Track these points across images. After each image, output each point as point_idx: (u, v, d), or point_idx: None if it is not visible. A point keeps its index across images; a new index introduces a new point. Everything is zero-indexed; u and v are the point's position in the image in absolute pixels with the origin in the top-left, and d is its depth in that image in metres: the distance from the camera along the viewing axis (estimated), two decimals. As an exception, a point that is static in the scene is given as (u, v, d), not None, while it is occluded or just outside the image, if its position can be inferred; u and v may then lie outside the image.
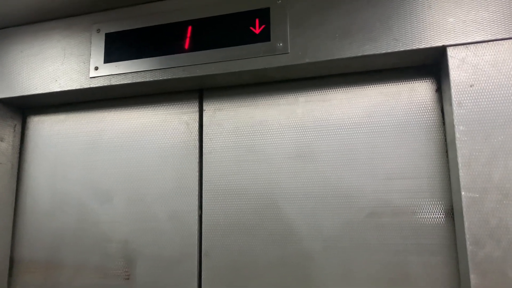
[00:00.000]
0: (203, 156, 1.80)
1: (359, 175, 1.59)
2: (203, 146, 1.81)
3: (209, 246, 1.72)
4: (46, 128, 2.08)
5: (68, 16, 1.92)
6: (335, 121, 1.66)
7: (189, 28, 1.74)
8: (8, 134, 2.01)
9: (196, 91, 1.88)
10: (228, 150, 1.78)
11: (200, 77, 1.70)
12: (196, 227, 1.76)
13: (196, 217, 1.76)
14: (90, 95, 1.93)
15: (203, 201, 1.76)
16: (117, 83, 1.80)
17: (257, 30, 1.65)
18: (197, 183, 1.80)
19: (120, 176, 1.91)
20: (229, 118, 1.80)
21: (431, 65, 1.56)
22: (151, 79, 1.75)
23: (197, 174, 1.80)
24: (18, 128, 2.08)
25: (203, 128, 1.83)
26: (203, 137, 1.82)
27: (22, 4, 1.82)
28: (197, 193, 1.79)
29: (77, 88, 1.85)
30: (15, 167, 2.03)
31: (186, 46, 1.73)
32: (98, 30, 1.87)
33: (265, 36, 1.64)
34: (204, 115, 1.84)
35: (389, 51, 1.47)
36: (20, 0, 1.79)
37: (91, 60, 1.85)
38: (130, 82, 1.78)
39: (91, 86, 1.83)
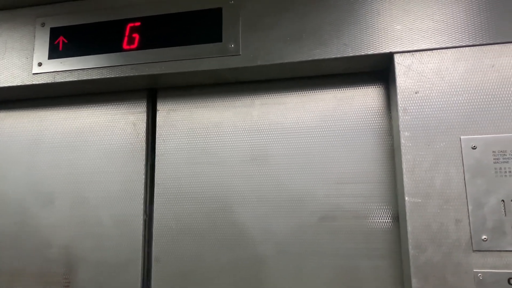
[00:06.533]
0: (156, 157, 1.75)
1: (312, 179, 1.59)
2: (156, 148, 1.76)
3: (160, 251, 1.67)
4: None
5: (11, 8, 1.82)
6: (289, 124, 1.66)
7: (139, 25, 1.69)
8: None
9: (144, 91, 1.83)
10: (182, 152, 1.73)
11: (149, 76, 1.66)
12: (140, 232, 1.70)
13: (141, 222, 1.71)
14: (33, 92, 1.83)
15: (154, 204, 1.71)
16: (62, 80, 1.72)
17: (208, 30, 1.62)
18: (142, 187, 1.74)
19: (63, 178, 1.82)
20: (183, 119, 1.76)
21: (380, 71, 1.58)
22: (98, 77, 1.68)
23: (143, 177, 1.75)
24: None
25: (157, 129, 1.77)
26: (156, 138, 1.77)
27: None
28: (142, 197, 1.73)
29: (18, 84, 1.75)
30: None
31: (136, 43, 1.68)
32: (43, 24, 1.78)
33: (216, 37, 1.61)
34: (158, 116, 1.79)
35: (338, 56, 1.48)
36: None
37: (34, 55, 1.76)
38: (75, 79, 1.71)
39: (34, 82, 1.74)
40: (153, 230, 1.69)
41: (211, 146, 1.71)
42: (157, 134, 1.77)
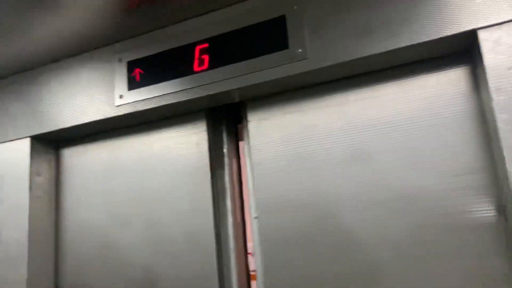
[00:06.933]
0: (253, 167, 1.72)
1: (422, 174, 1.45)
2: (252, 158, 1.74)
3: (267, 263, 1.62)
4: (75, 159, 2.14)
5: (91, 50, 1.97)
6: (389, 117, 1.54)
7: (207, 47, 1.73)
8: (44, 168, 2.08)
9: (202, 111, 1.89)
10: (278, 159, 1.69)
11: (218, 94, 1.68)
12: (213, 246, 1.73)
13: (213, 237, 1.74)
14: (116, 122, 1.95)
15: (256, 215, 1.67)
16: (142, 109, 1.81)
17: (274, 39, 1.61)
18: (210, 202, 1.77)
19: (137, 201, 1.94)
20: (275, 127, 1.72)
21: (464, 51, 1.44)
22: (173, 101, 1.75)
23: (210, 193, 1.78)
24: (53, 161, 2.14)
25: (250, 139, 1.75)
26: (251, 149, 1.74)
27: (47, 43, 1.89)
28: (211, 212, 1.76)
29: (104, 117, 1.88)
30: (53, 199, 2.09)
31: (206, 64, 1.72)
32: (120, 59, 1.90)
33: (283, 44, 1.59)
34: (249, 126, 1.77)
35: (413, 43, 1.38)
36: (45, 40, 1.86)
37: (115, 89, 1.88)
38: (154, 106, 1.79)
39: (117, 114, 1.85)
40: (259, 241, 1.65)
41: (307, 151, 1.64)
42: (251, 144, 1.75)
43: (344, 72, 1.58)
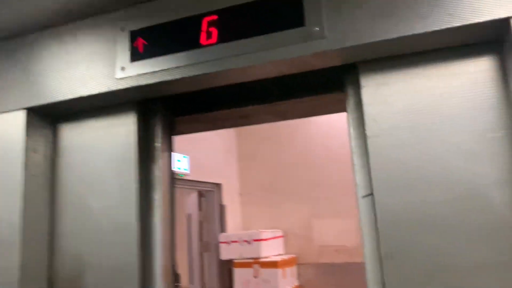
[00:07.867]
0: (368, 140, 1.50)
1: None
2: (366, 129, 1.51)
3: (392, 247, 1.42)
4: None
5: (91, 16, 1.84)
6: None
7: (216, 19, 1.63)
8: (40, 145, 1.93)
9: (133, 103, 1.88)
10: (401, 130, 1.46)
11: (227, 71, 1.60)
12: (135, 238, 1.75)
13: (135, 229, 1.76)
14: (118, 97, 1.83)
15: (374, 194, 1.46)
16: (145, 83, 1.70)
17: (289, 16, 1.52)
18: (134, 195, 1.79)
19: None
20: (397, 93, 1.49)
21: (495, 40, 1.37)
22: (180, 76, 1.64)
23: (134, 185, 1.80)
24: (49, 137, 2.00)
25: (364, 108, 1.52)
26: (366, 119, 1.52)
27: (47, 5, 1.75)
28: (134, 205, 1.78)
29: (104, 91, 1.76)
30: (49, 178, 1.96)
31: (214, 38, 1.62)
32: (122, 28, 1.78)
33: (299, 22, 1.50)
34: (363, 93, 1.53)
35: (442, 27, 1.30)
36: (43, 2, 1.72)
37: (116, 60, 1.76)
38: (159, 80, 1.68)
39: (119, 87, 1.74)
40: (378, 223, 1.45)
41: (439, 121, 1.42)
42: (365, 113, 1.52)
43: (365, 54, 1.50)
